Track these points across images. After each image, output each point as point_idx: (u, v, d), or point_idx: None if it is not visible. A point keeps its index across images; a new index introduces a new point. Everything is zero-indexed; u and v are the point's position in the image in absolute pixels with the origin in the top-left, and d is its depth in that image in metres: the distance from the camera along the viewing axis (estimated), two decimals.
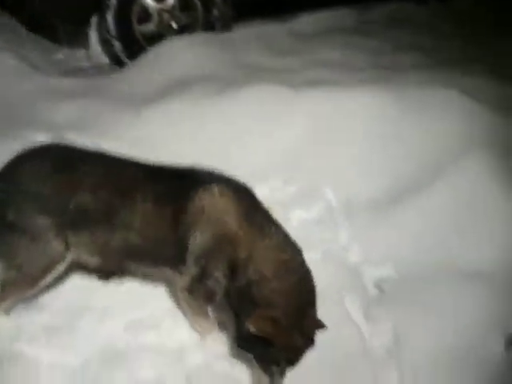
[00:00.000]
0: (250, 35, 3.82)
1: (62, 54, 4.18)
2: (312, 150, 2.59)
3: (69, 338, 1.73)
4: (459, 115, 2.68)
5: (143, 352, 1.71)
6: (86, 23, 3.67)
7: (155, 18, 3.64)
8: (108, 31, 3.52)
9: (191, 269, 1.64)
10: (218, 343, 1.77)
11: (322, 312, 1.89)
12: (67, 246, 1.67)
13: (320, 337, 1.83)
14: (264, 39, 3.78)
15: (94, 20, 3.72)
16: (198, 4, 3.72)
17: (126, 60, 3.62)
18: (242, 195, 1.68)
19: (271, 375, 1.53)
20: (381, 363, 1.79)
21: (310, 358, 1.76)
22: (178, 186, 1.66)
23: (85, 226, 1.65)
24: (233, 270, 1.58)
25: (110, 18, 3.46)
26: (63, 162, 1.71)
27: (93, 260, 1.77)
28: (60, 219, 1.63)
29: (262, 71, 3.25)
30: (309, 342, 1.53)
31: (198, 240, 1.59)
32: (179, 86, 3.05)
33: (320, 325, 1.57)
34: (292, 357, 1.52)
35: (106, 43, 3.71)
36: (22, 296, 1.73)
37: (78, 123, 2.81)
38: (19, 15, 4.40)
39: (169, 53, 3.39)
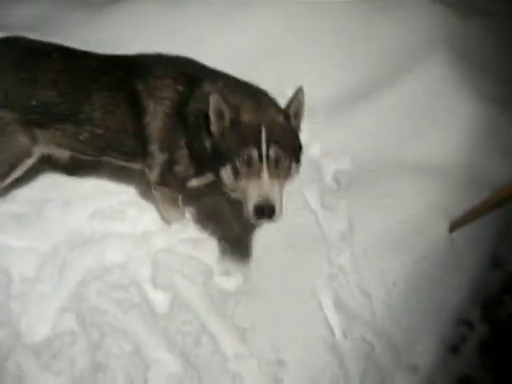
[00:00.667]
0: None
1: None
2: (271, 50, 2.57)
3: (37, 225, 1.80)
4: (423, 17, 2.68)
5: (109, 238, 1.80)
6: None
7: None
8: None
9: (159, 158, 1.69)
10: (185, 230, 1.88)
11: (284, 201, 2.01)
12: (34, 141, 1.70)
13: (282, 221, 1.96)
14: None
15: None
16: None
17: None
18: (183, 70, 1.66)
19: None
20: (335, 245, 1.92)
21: (272, 240, 1.89)
22: (128, 73, 1.66)
23: (51, 120, 1.66)
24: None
25: None
26: (22, 56, 1.68)
27: (63, 154, 1.83)
28: (24, 115, 1.64)
29: None
30: None
31: (154, 125, 1.63)
32: None
33: None
34: None
35: None
36: None
37: (35, 24, 2.70)
38: None
39: None
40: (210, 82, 1.60)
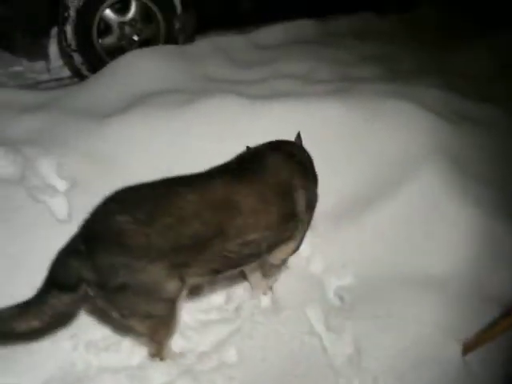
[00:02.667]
0: (211, 47, 3.81)
1: (21, 66, 4.11)
2: None
3: (25, 359, 1.69)
4: (415, 126, 2.76)
5: (105, 373, 1.68)
6: (44, 35, 3.60)
7: (116, 30, 3.61)
8: (67, 44, 3.47)
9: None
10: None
11: (285, 321, 1.93)
12: (183, 280, 1.58)
13: (283, 347, 1.86)
14: (226, 51, 3.79)
15: (53, 32, 3.67)
16: (159, 16, 3.71)
17: (86, 73, 3.57)
18: None
19: None
20: (342, 372, 1.81)
21: (273, 368, 1.78)
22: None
23: (198, 253, 1.56)
24: None
25: (69, 30, 3.40)
26: (148, 207, 1.53)
27: (203, 279, 1.76)
28: (171, 259, 1.51)
29: (226, 83, 3.25)
30: None
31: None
32: (141, 99, 3.02)
33: None
34: None
35: (66, 56, 3.65)
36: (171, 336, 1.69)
37: (36, 137, 2.75)
38: None
39: (130, 65, 3.35)
40: None
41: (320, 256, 2.23)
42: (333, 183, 2.52)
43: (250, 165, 1.75)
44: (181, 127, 2.71)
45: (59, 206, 2.31)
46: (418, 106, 2.91)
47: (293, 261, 2.17)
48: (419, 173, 2.45)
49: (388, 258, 2.18)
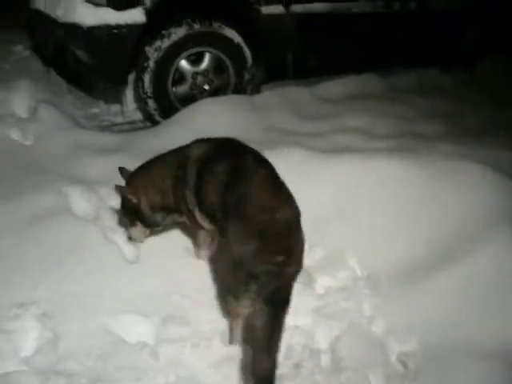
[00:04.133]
0: (277, 98, 3.94)
1: (98, 109, 4.41)
2: (338, 216, 2.61)
3: None
4: (482, 188, 2.68)
5: None
6: (123, 81, 3.85)
7: (189, 80, 3.82)
8: (144, 90, 3.70)
9: None
10: None
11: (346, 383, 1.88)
12: None
13: None
14: (291, 103, 3.90)
15: (130, 78, 3.92)
16: (231, 68, 3.90)
17: (158, 118, 3.77)
18: None
19: None
20: None
21: None
22: None
23: None
24: None
25: (147, 78, 3.64)
26: None
27: None
28: None
29: (290, 135, 3.34)
30: None
31: None
32: None
33: None
34: None
35: (140, 101, 3.88)
36: None
37: (110, 178, 2.89)
38: (61, 69, 4.70)
39: (200, 113, 3.52)
40: None
41: (382, 317, 2.17)
42: (395, 243, 2.49)
43: None
44: None
45: (129, 247, 2.41)
46: (484, 167, 2.85)
47: (354, 318, 2.15)
48: (490, 237, 2.36)
49: (456, 326, 2.09)
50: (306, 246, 2.44)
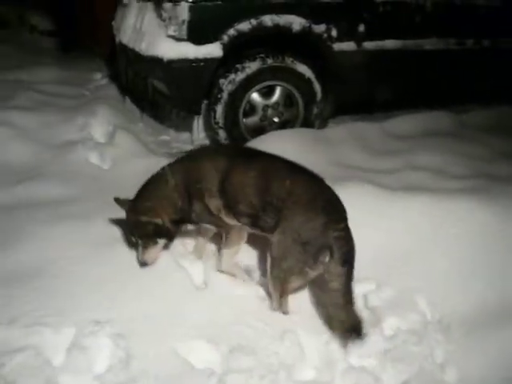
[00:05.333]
0: (346, 133, 3.94)
1: (168, 136, 4.60)
2: (408, 255, 2.55)
3: None
4: None
5: None
6: (197, 111, 4.01)
7: (260, 112, 3.93)
8: (215, 121, 3.83)
9: None
10: None
11: None
12: None
13: None
14: (360, 138, 3.89)
15: (202, 109, 4.07)
16: (300, 101, 3.97)
17: None
18: None
19: None
20: None
21: None
22: None
23: None
24: None
25: (219, 109, 3.77)
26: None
27: None
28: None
29: (358, 171, 3.32)
30: None
31: None
32: None
33: None
34: None
35: (211, 130, 4.02)
36: None
37: None
38: (135, 96, 4.96)
39: (269, 145, 3.56)
40: None
41: (455, 365, 2.08)
42: (469, 287, 2.39)
43: None
44: None
45: (197, 273, 2.46)
46: None
47: (424, 364, 2.07)
48: None
49: None
50: (374, 285, 2.44)
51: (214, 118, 3.83)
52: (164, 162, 3.62)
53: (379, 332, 2.20)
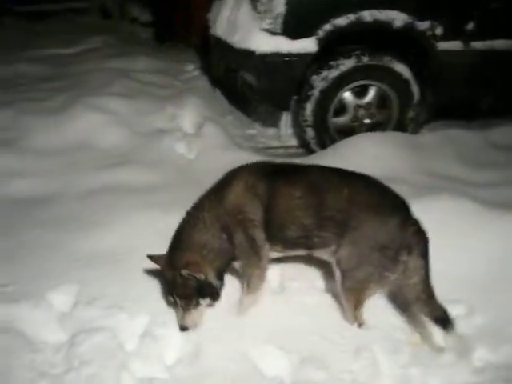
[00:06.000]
0: (441, 140, 3.67)
1: (255, 130, 4.57)
2: (506, 281, 2.30)
3: None
4: None
5: None
6: (285, 107, 3.93)
7: (351, 112, 3.77)
8: (304, 118, 3.72)
9: None
10: None
11: None
12: None
13: None
14: (458, 147, 3.59)
15: (291, 105, 3.99)
16: (395, 103, 3.75)
17: (314, 147, 3.77)
18: None
19: None
20: None
21: None
22: None
23: None
24: None
25: (309, 107, 3.66)
26: None
27: None
28: None
29: (454, 182, 3.06)
30: None
31: None
32: None
33: None
34: None
35: (299, 128, 3.92)
36: None
37: None
38: (226, 88, 4.99)
39: (358, 147, 3.43)
40: None
41: None
42: None
43: None
44: None
45: (274, 276, 2.38)
46: None
47: None
48: None
49: None
50: (465, 309, 2.23)
51: (303, 115, 3.72)
52: (250, 156, 3.65)
53: (466, 363, 1.99)
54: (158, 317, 2.06)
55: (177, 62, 6.72)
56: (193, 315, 1.99)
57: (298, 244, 2.09)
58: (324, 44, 3.51)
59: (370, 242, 1.94)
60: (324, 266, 2.41)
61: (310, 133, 3.75)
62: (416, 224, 1.98)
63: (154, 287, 2.20)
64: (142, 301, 2.13)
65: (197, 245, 1.99)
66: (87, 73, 5.68)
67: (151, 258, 2.04)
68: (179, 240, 2.03)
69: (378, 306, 2.17)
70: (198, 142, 3.72)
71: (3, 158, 3.45)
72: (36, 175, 3.26)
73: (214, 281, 2.00)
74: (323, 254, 2.10)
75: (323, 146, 3.66)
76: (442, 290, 2.07)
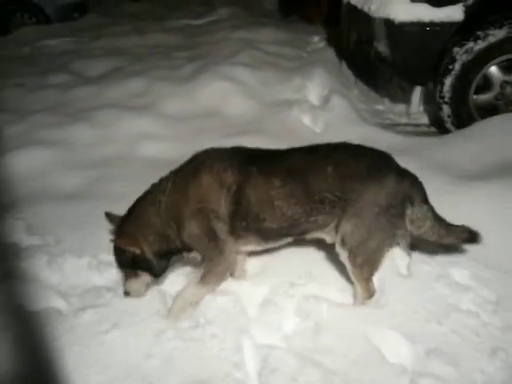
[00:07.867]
0: None
1: (382, 106, 4.36)
2: None
3: None
4: None
5: None
6: (422, 83, 3.66)
7: (496, 88, 3.39)
8: (441, 94, 3.43)
9: None
10: None
11: None
12: None
13: None
14: None
15: (427, 79, 3.69)
16: None
17: (450, 126, 3.47)
18: None
19: None
20: None
21: None
22: None
23: None
24: None
25: (448, 82, 3.36)
26: None
27: None
28: None
29: None
30: None
31: None
32: (502, 168, 2.73)
33: None
34: None
35: (433, 104, 3.63)
36: None
37: None
38: (354, 61, 4.80)
39: (500, 129, 3.08)
40: None
41: None
42: None
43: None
44: None
45: (403, 259, 2.26)
46: None
47: None
48: None
49: None
50: None
51: (440, 91, 3.41)
52: (379, 132, 3.47)
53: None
54: (280, 286, 2.07)
55: (302, 34, 6.65)
56: (134, 284, 1.97)
57: (282, 235, 1.98)
58: (471, 12, 3.16)
59: (374, 208, 1.87)
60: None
61: (446, 110, 3.43)
62: (408, 174, 1.95)
63: (279, 258, 2.22)
64: (265, 270, 2.17)
65: (144, 224, 1.93)
66: (216, 43, 5.85)
67: (108, 216, 2.03)
68: (132, 211, 1.97)
69: None
70: (324, 114, 3.63)
71: (139, 124, 3.68)
72: (168, 139, 3.43)
73: (151, 258, 1.93)
74: (318, 235, 2.02)
75: (460, 125, 3.34)
76: None
